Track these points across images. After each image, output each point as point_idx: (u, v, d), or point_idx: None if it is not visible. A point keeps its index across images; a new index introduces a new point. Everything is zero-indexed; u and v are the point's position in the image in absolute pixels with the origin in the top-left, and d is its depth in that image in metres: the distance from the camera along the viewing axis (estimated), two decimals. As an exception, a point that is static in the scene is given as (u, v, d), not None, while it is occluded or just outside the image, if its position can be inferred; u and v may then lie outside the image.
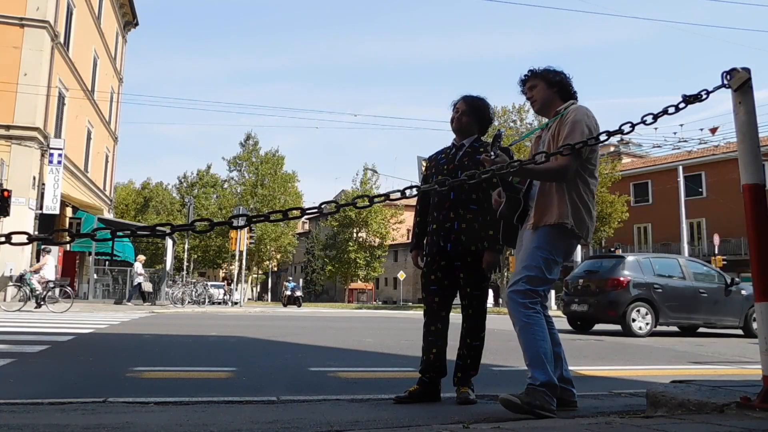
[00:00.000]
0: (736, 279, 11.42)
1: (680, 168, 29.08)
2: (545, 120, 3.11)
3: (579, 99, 3.06)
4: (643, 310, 10.38)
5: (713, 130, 27.08)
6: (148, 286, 20.69)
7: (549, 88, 3.06)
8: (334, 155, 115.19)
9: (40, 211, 19.20)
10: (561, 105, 3.03)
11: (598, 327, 11.80)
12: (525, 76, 3.14)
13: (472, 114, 3.40)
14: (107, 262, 26.86)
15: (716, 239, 28.97)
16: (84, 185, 24.71)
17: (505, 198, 2.97)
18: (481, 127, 3.43)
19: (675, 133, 43.56)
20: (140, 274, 20.09)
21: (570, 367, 3.07)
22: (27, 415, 2.76)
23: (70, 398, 3.18)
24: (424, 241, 3.57)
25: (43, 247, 15.14)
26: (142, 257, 21.51)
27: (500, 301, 33.98)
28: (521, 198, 2.99)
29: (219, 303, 28.39)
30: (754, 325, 6.35)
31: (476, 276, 3.30)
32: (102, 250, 24.64)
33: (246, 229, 23.63)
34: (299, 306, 28.85)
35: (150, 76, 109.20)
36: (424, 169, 3.76)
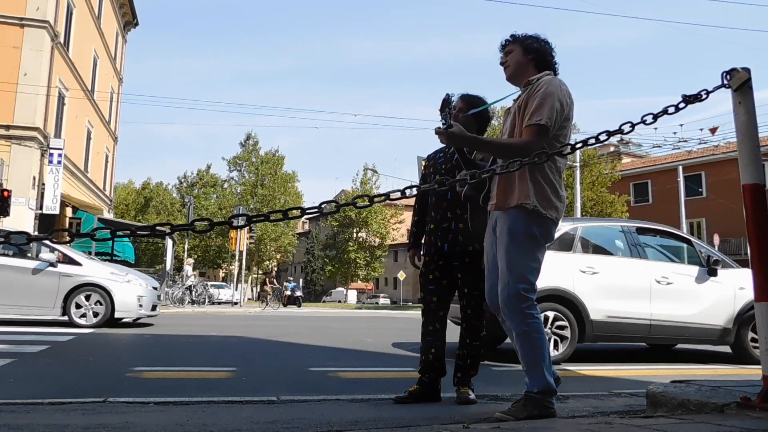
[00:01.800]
0: None
1: (680, 168, 29.11)
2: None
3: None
4: None
5: (713, 130, 27.02)
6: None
7: (524, 55, 2.82)
8: (334, 155, 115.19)
9: (40, 211, 19.19)
10: (534, 75, 2.79)
11: None
12: (506, 41, 2.88)
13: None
14: (107, 263, 26.86)
15: (716, 239, 28.96)
16: (84, 185, 24.69)
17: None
18: (480, 127, 3.43)
19: (675, 133, 43.26)
20: (189, 276, 20.21)
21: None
22: (27, 415, 2.76)
23: (70, 398, 3.18)
24: (422, 241, 3.57)
25: None
26: (190, 260, 21.73)
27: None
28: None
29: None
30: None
31: (474, 276, 3.29)
32: (102, 250, 24.61)
33: (246, 229, 23.62)
34: (299, 306, 28.83)
35: (150, 76, 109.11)
36: (423, 168, 3.75)
